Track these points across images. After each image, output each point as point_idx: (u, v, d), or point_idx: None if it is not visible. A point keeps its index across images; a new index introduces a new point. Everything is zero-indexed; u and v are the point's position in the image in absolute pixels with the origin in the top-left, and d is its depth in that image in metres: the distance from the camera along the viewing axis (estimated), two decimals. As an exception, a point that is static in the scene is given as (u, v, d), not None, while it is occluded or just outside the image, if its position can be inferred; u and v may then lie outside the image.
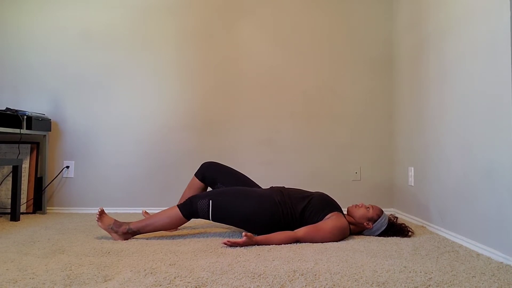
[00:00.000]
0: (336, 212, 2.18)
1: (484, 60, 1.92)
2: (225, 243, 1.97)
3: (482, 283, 1.44)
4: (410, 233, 2.24)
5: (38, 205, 3.08)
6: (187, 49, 3.23)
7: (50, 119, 3.12)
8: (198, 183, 2.41)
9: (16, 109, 2.80)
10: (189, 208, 2.13)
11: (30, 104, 3.16)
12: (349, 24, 3.26)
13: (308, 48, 3.25)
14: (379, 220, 2.23)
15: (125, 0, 3.24)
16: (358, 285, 1.41)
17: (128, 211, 3.09)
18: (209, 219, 2.16)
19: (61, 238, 2.14)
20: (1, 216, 2.87)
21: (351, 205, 2.31)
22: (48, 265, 1.61)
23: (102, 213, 2.12)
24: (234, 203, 2.15)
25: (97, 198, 3.15)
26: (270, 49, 3.25)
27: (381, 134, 3.23)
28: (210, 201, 2.13)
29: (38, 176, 3.11)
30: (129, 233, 2.13)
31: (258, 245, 1.99)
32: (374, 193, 3.20)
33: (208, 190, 2.44)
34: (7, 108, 2.75)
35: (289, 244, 2.02)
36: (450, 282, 1.45)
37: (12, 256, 1.76)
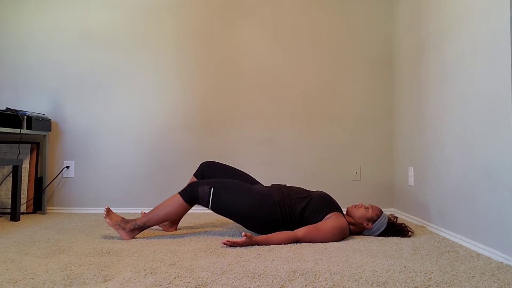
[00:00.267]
0: (336, 212, 2.18)
1: (484, 60, 1.92)
2: (224, 243, 1.97)
3: (482, 283, 1.44)
4: (410, 233, 2.24)
5: (38, 205, 3.08)
6: (187, 49, 3.23)
7: (50, 119, 3.12)
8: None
9: (16, 109, 2.80)
10: (190, 193, 2.15)
11: (30, 104, 3.16)
12: (349, 24, 3.27)
13: (308, 48, 3.25)
14: (378, 220, 2.23)
15: (125, 0, 3.24)
16: (358, 285, 1.41)
17: (128, 211, 3.08)
18: (208, 207, 2.16)
19: (61, 238, 2.14)
20: (1, 216, 2.87)
21: (350, 206, 2.31)
22: (48, 265, 1.61)
23: (109, 210, 2.14)
24: (234, 196, 2.16)
25: (97, 198, 3.15)
26: (270, 49, 3.25)
27: (381, 134, 3.23)
28: (212, 188, 2.14)
29: (38, 176, 3.11)
30: (136, 229, 2.14)
31: (258, 245, 1.99)
32: (374, 193, 3.20)
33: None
34: (7, 108, 2.75)
35: (289, 244, 2.02)
36: (450, 282, 1.45)
37: (12, 256, 1.76)
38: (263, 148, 3.21)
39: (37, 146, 3.12)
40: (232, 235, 2.26)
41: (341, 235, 2.12)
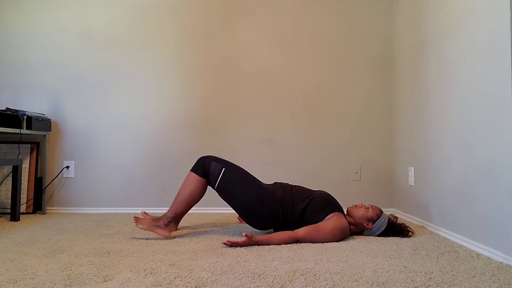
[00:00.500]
0: (336, 213, 2.18)
1: (484, 60, 1.92)
2: (225, 243, 1.97)
3: (482, 283, 1.44)
4: (410, 233, 2.24)
5: (38, 205, 3.08)
6: (187, 49, 3.23)
7: (50, 119, 3.12)
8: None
9: (16, 109, 2.80)
10: (202, 167, 2.18)
11: (30, 104, 3.16)
12: (349, 24, 3.27)
13: (308, 48, 3.25)
14: (378, 220, 2.23)
15: (125, 0, 3.24)
16: (358, 285, 1.41)
17: (128, 211, 3.09)
18: (214, 187, 2.19)
19: (61, 238, 2.14)
20: (1, 216, 2.87)
21: (350, 206, 2.31)
22: (48, 265, 1.61)
23: (136, 217, 2.13)
24: (241, 185, 2.18)
25: (97, 198, 3.16)
26: (270, 49, 3.25)
27: (381, 134, 3.23)
28: (224, 169, 2.17)
29: (38, 176, 3.11)
30: (171, 222, 2.16)
31: (258, 245, 1.99)
32: (374, 193, 3.20)
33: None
34: (7, 108, 2.75)
35: (289, 244, 2.02)
36: (450, 282, 1.45)
37: (12, 256, 1.76)
38: (263, 148, 3.21)
39: (37, 146, 3.12)
40: (232, 235, 2.26)
41: (342, 236, 2.12)
